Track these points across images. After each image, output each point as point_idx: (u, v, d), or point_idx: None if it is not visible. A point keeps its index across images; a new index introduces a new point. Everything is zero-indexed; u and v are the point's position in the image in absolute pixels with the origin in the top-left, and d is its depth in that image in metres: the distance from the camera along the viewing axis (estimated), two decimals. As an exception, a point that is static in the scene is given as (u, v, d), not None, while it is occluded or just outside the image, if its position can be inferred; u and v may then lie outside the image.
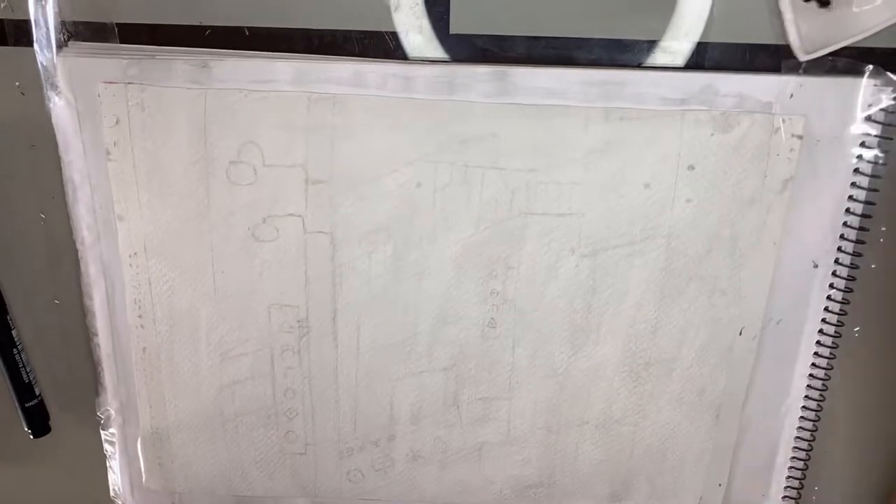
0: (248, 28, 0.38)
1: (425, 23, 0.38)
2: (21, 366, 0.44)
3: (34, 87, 0.38)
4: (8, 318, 0.43)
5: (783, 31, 0.37)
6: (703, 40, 0.38)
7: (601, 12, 0.38)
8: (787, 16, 0.37)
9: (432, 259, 0.41)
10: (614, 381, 0.44)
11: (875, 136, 0.39)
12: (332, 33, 0.38)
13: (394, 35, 0.38)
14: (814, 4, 0.36)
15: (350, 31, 0.38)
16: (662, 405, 0.44)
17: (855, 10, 0.36)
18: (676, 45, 0.38)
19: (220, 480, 0.46)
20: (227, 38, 0.38)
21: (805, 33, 0.37)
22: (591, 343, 0.43)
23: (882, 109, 0.38)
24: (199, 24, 0.38)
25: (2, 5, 0.38)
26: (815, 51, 0.37)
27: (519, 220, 0.40)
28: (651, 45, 0.38)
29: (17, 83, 0.39)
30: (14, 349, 0.43)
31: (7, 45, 0.38)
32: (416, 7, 0.38)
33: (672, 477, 0.46)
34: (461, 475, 0.46)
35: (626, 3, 0.38)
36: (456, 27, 0.38)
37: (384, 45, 0.38)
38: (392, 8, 0.38)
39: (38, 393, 0.45)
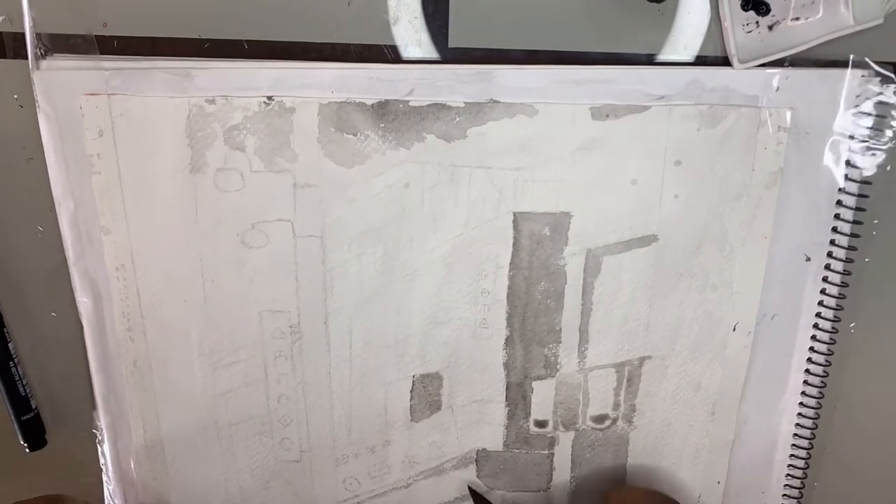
0: (246, 41, 0.38)
1: (424, 36, 0.38)
2: (17, 379, 0.44)
3: (32, 100, 0.38)
4: (5, 330, 0.43)
5: (721, 39, 0.38)
6: (702, 54, 0.38)
7: (599, 26, 0.38)
8: (726, 23, 0.37)
9: (422, 260, 0.41)
10: (608, 379, 0.43)
11: (865, 127, 0.39)
12: (332, 46, 0.38)
13: (393, 48, 0.38)
14: (752, 14, 0.36)
15: (349, 45, 0.38)
16: (657, 402, 0.44)
17: (790, 23, 0.37)
18: (675, 58, 0.39)
19: (216, 491, 0.46)
20: (226, 51, 0.38)
21: (741, 42, 0.37)
22: (584, 341, 0.43)
23: (871, 100, 0.38)
24: (198, 37, 0.38)
25: (0, 18, 0.38)
26: (749, 60, 0.38)
27: (507, 219, 0.40)
28: (650, 58, 0.39)
29: (16, 96, 0.39)
30: (10, 362, 0.43)
31: (6, 57, 0.38)
32: (414, 21, 0.38)
33: (669, 475, 0.46)
34: (457, 481, 0.46)
35: (625, 17, 0.38)
36: (455, 41, 0.38)
37: (383, 58, 0.38)
38: (391, 21, 0.38)
39: (34, 406, 0.45)
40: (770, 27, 0.37)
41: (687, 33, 0.38)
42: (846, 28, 0.37)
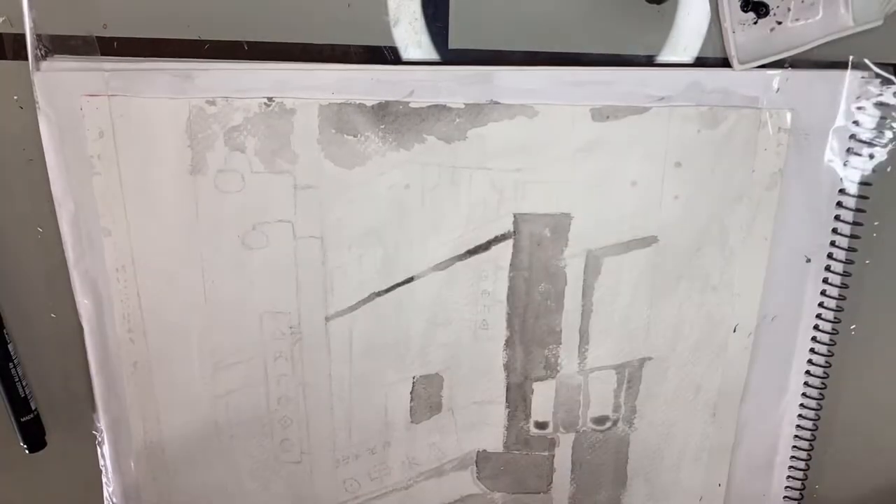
0: (246, 42, 0.38)
1: (424, 38, 0.38)
2: (17, 380, 0.44)
3: (32, 101, 0.38)
4: (4, 332, 0.43)
5: (721, 40, 0.38)
6: (702, 55, 0.38)
7: (599, 27, 0.38)
8: (726, 24, 0.37)
9: (423, 261, 0.41)
10: (609, 380, 0.43)
11: (865, 128, 0.39)
12: (332, 48, 0.38)
13: (393, 50, 0.38)
14: (751, 15, 0.37)
15: (349, 46, 0.38)
16: (658, 404, 0.44)
17: (790, 24, 0.37)
18: (675, 60, 0.39)
19: (216, 492, 0.46)
20: (226, 53, 0.38)
21: (741, 43, 0.37)
22: (584, 343, 0.43)
23: (871, 101, 0.38)
24: (198, 38, 0.38)
25: (0, 20, 0.38)
26: (748, 61, 0.38)
27: (507, 220, 0.40)
28: (649, 59, 0.39)
29: (16, 97, 0.39)
30: (10, 363, 0.43)
31: (6, 58, 0.38)
32: (415, 22, 0.38)
33: (670, 477, 0.46)
34: (457, 483, 0.46)
35: (625, 19, 0.38)
36: (455, 42, 0.38)
37: (384, 60, 0.38)
38: (391, 23, 0.38)
39: (34, 408, 0.45)
40: (770, 29, 0.37)
41: (687, 35, 0.38)
42: (846, 29, 0.37)
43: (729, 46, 0.38)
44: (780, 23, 0.37)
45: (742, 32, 0.37)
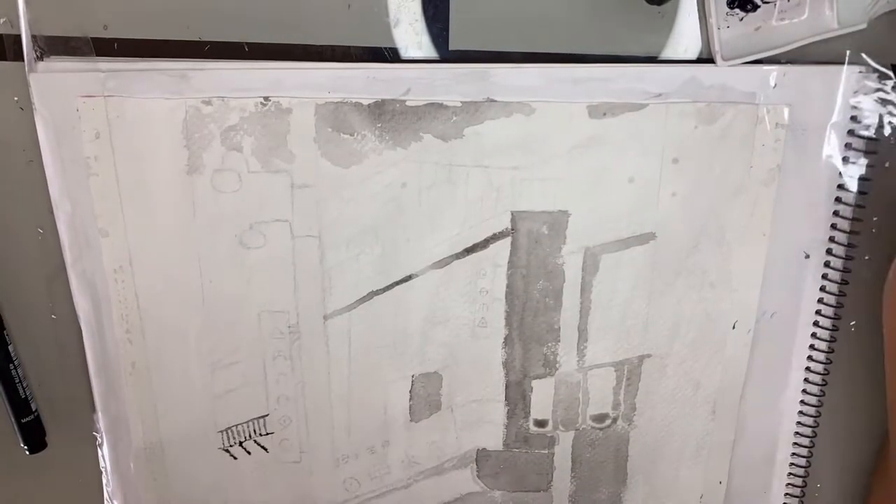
0: (247, 44, 0.38)
1: (425, 39, 0.38)
2: (18, 381, 0.44)
3: (31, 103, 0.39)
4: (5, 333, 0.43)
5: (707, 35, 0.38)
6: (702, 56, 0.38)
7: (601, 29, 0.38)
8: (711, 20, 0.37)
9: (421, 259, 0.41)
10: (608, 378, 0.43)
11: (863, 123, 0.39)
12: (332, 49, 0.38)
13: (394, 51, 0.38)
14: (737, 12, 0.37)
15: (349, 47, 0.38)
16: (657, 401, 0.44)
17: (775, 23, 0.37)
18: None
19: (216, 492, 0.46)
20: (227, 54, 0.38)
21: (725, 39, 0.37)
22: (583, 340, 0.43)
23: (869, 96, 0.38)
24: (198, 39, 0.38)
25: (1, 21, 0.38)
26: (732, 58, 0.38)
27: (504, 218, 0.40)
28: (650, 60, 0.38)
29: (16, 98, 0.39)
30: (11, 364, 0.43)
31: (6, 59, 0.38)
32: (415, 23, 0.38)
33: (671, 474, 0.46)
34: (457, 481, 0.46)
35: (625, 19, 0.38)
36: (455, 43, 0.38)
37: (384, 61, 0.38)
38: (392, 24, 0.38)
39: (34, 409, 0.45)
40: (756, 28, 0.37)
41: (687, 36, 0.38)
42: (830, 31, 0.37)
43: (713, 43, 0.38)
44: (765, 21, 0.37)
45: (727, 29, 0.37)
